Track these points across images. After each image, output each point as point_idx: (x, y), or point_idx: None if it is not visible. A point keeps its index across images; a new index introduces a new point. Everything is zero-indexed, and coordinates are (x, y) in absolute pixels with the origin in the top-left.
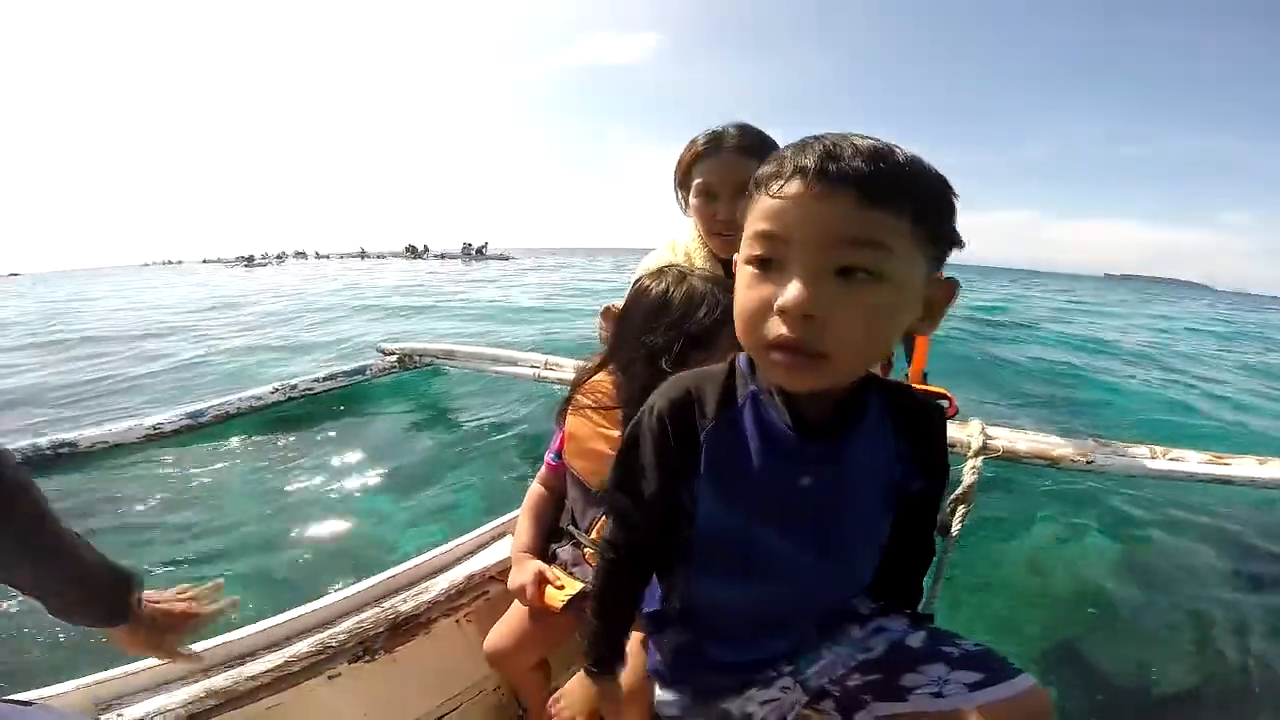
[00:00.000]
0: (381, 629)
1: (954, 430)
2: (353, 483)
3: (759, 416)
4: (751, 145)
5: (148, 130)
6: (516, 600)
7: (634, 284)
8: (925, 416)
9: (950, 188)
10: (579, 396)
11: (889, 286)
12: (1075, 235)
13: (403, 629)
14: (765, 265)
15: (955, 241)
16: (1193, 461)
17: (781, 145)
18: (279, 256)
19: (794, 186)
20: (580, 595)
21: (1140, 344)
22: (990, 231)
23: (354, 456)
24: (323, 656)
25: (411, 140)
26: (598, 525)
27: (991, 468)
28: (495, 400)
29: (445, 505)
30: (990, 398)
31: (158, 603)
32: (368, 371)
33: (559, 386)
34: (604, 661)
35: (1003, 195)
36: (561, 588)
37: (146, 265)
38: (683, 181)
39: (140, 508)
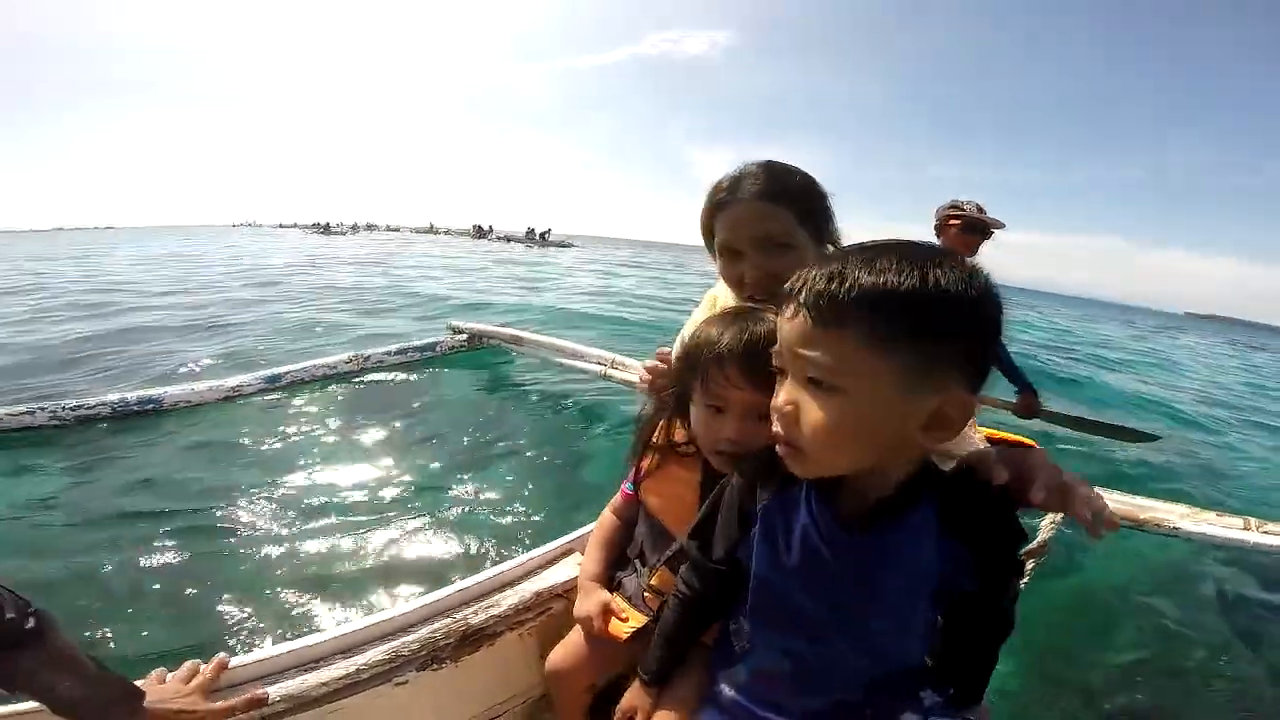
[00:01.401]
0: (452, 640)
1: None
2: (413, 457)
3: (809, 497)
4: (775, 189)
5: (231, 94)
6: (580, 626)
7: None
8: (988, 518)
9: (934, 300)
10: (655, 437)
11: (849, 400)
12: (1163, 265)
13: (471, 640)
14: (781, 373)
15: (972, 360)
16: None
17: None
18: (353, 227)
19: (787, 313)
20: (643, 629)
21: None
22: (1069, 257)
23: (417, 431)
24: (393, 664)
25: (479, 123)
26: (658, 573)
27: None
28: (559, 392)
29: (497, 491)
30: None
31: (160, 700)
32: (438, 348)
33: (624, 387)
34: (660, 677)
35: (1089, 219)
36: (626, 619)
37: (235, 226)
38: (706, 237)
39: (214, 467)
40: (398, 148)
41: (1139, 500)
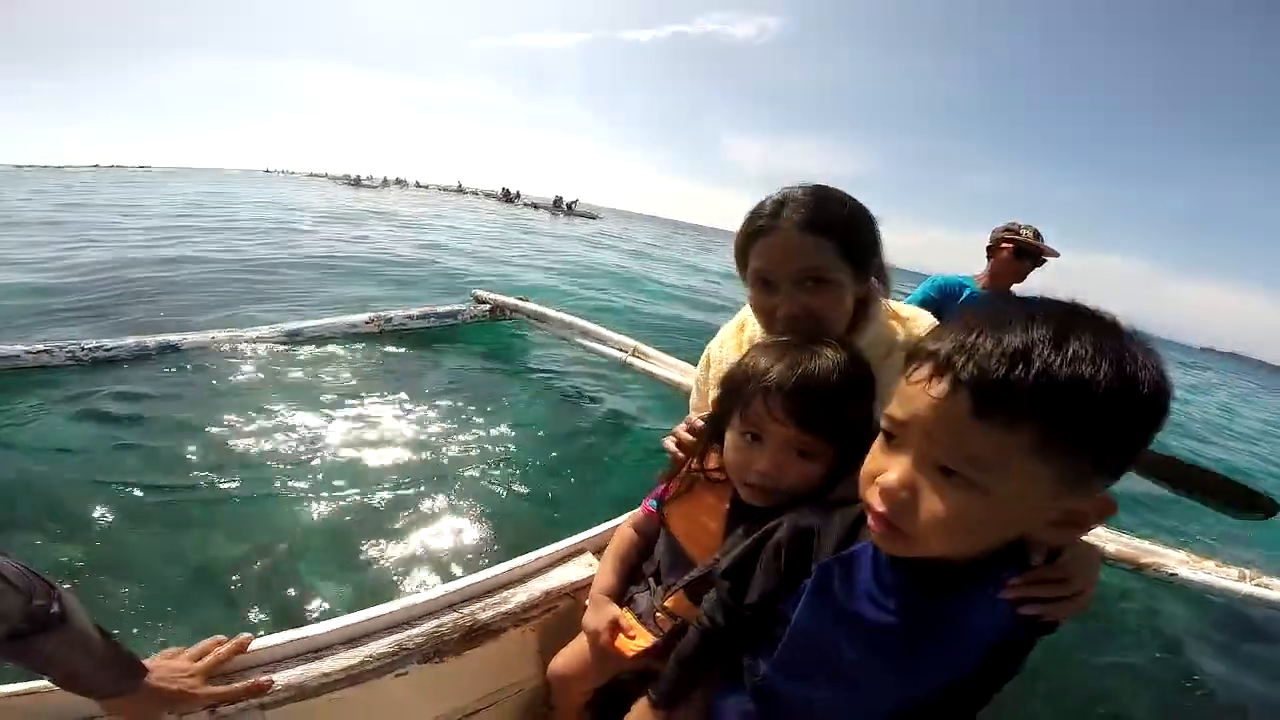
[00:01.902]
0: (457, 634)
1: None
2: (425, 435)
3: (876, 555)
4: (821, 220)
5: (266, 44)
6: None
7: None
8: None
9: (1128, 403)
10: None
11: (988, 500)
12: (1187, 296)
13: (475, 635)
14: (889, 438)
15: (1121, 461)
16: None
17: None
18: (384, 181)
19: (933, 385)
20: (650, 649)
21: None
22: (1092, 277)
23: (432, 405)
24: (396, 657)
25: (512, 87)
26: (672, 596)
27: None
28: (577, 377)
29: (508, 479)
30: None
31: (162, 678)
32: (459, 316)
33: (644, 376)
34: (670, 700)
35: (1120, 239)
36: (634, 638)
37: (268, 172)
38: (740, 262)
39: (225, 425)
40: (429, 103)
41: (1141, 544)
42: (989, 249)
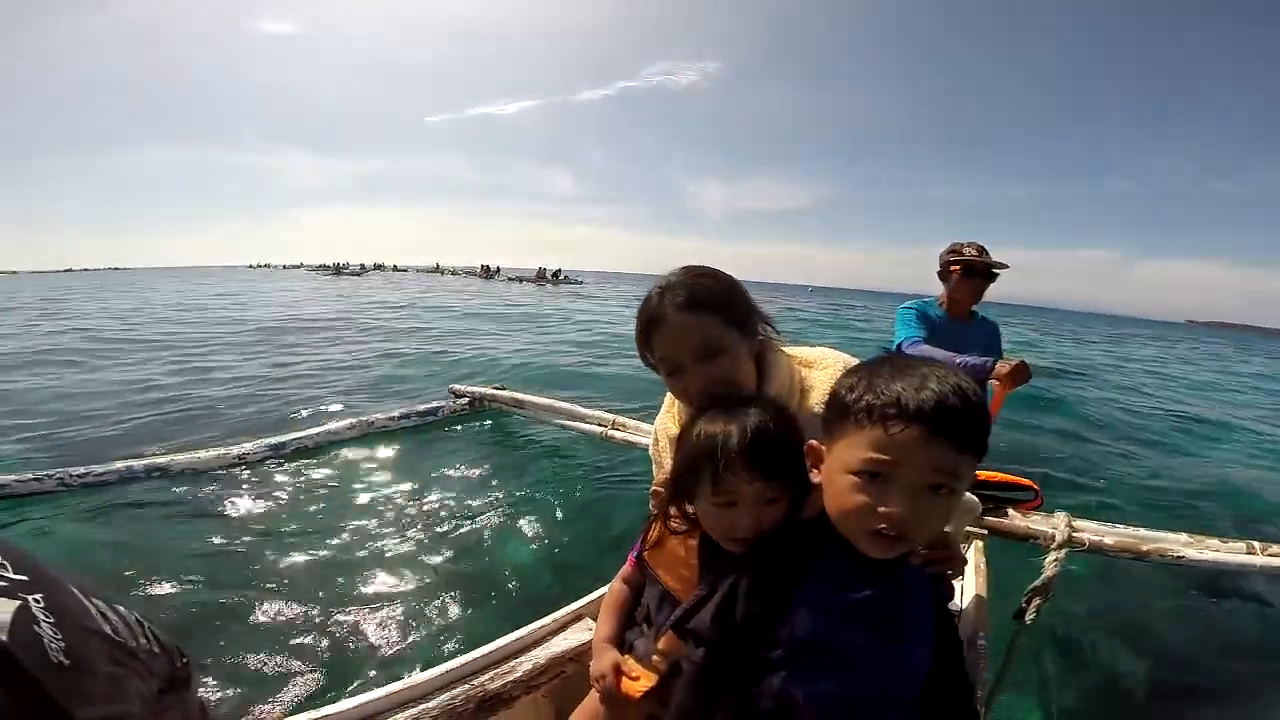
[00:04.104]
0: (471, 705)
1: (1038, 522)
2: (419, 523)
3: (841, 549)
4: (698, 298)
5: (228, 135)
6: (595, 689)
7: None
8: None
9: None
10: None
11: (954, 498)
12: (1158, 276)
13: (489, 705)
14: (872, 477)
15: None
16: None
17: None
18: (361, 266)
19: (912, 432)
20: (656, 686)
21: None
22: (1063, 271)
23: (422, 496)
24: None
25: (477, 161)
26: (663, 636)
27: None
28: (563, 454)
29: (505, 555)
30: (1087, 477)
31: None
32: (440, 412)
33: (625, 447)
34: None
35: (1079, 233)
36: (637, 679)
37: (251, 267)
38: (642, 354)
39: (216, 532)
40: (395, 182)
41: (1140, 531)
42: (939, 274)
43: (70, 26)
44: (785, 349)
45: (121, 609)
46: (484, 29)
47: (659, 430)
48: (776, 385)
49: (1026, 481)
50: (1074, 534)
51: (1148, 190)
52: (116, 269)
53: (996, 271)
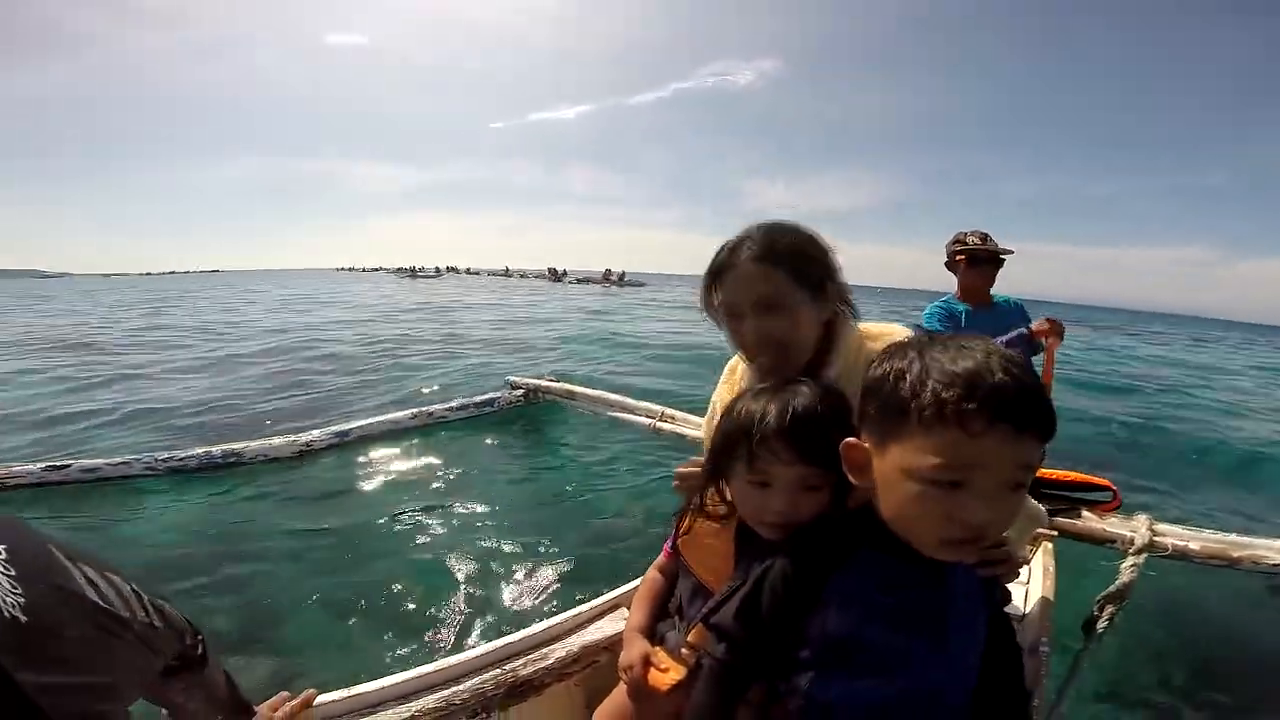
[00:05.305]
0: (501, 690)
1: (1115, 525)
2: (471, 511)
3: (882, 544)
4: (770, 252)
5: (299, 145)
6: (622, 679)
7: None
8: None
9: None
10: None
11: (1024, 490)
12: (1260, 274)
13: (519, 691)
14: (951, 485)
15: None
16: None
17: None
18: (436, 269)
19: (999, 431)
20: (685, 681)
21: None
22: (1151, 270)
23: (477, 485)
24: (444, 712)
25: (538, 166)
26: (693, 629)
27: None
28: (612, 447)
29: (549, 544)
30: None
31: None
32: (496, 404)
33: (674, 438)
34: None
35: (1170, 229)
36: (666, 671)
37: (340, 269)
38: (707, 299)
39: (287, 518)
40: (460, 188)
41: (1231, 537)
42: (947, 265)
43: (161, 43)
44: (860, 324)
45: (116, 578)
46: (539, 36)
47: (715, 403)
48: (841, 355)
49: (1104, 481)
50: (1155, 538)
51: (1242, 183)
52: (215, 271)
53: (1003, 257)
